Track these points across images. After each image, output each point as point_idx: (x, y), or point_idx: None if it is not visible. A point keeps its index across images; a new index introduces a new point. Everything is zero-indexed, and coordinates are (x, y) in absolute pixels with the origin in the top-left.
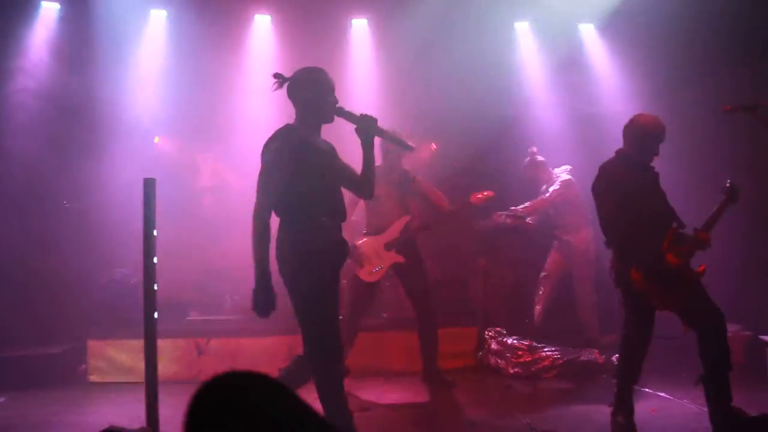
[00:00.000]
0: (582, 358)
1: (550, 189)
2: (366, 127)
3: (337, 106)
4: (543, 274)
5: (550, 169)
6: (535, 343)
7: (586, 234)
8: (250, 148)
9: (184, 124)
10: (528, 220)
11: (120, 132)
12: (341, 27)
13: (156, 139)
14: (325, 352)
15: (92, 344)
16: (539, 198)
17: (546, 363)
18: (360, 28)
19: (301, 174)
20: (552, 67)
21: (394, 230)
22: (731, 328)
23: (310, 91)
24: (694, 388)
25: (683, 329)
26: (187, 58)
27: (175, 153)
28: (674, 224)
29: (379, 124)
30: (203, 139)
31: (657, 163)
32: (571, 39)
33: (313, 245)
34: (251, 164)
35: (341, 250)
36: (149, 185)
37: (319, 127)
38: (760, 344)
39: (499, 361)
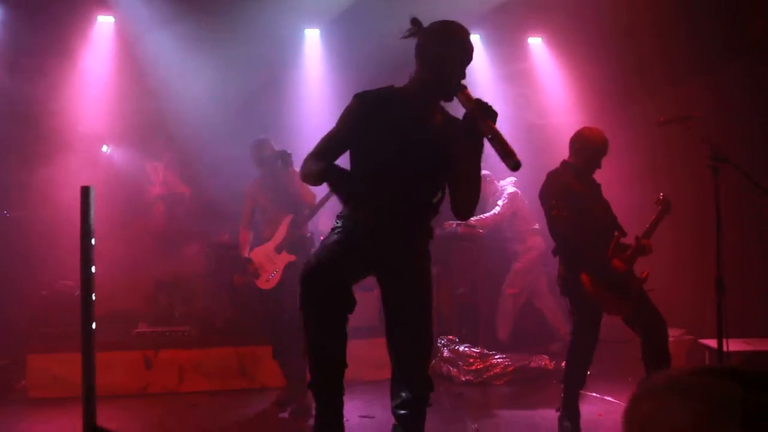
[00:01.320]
0: (532, 364)
1: (498, 202)
2: (481, 117)
3: (460, 86)
4: (510, 291)
5: (496, 181)
6: (486, 351)
7: (532, 242)
8: (202, 156)
9: (134, 133)
10: (479, 229)
11: (67, 140)
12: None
13: (104, 148)
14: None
15: (32, 358)
16: (491, 214)
17: (497, 370)
18: (312, 37)
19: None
20: (501, 79)
21: (281, 232)
22: (674, 333)
23: (432, 48)
24: None
25: (630, 334)
26: (135, 65)
27: (125, 162)
28: (617, 232)
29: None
30: (153, 147)
31: (601, 174)
32: (520, 51)
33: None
34: (203, 173)
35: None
36: (86, 193)
37: (430, 98)
38: (700, 348)
39: (451, 368)
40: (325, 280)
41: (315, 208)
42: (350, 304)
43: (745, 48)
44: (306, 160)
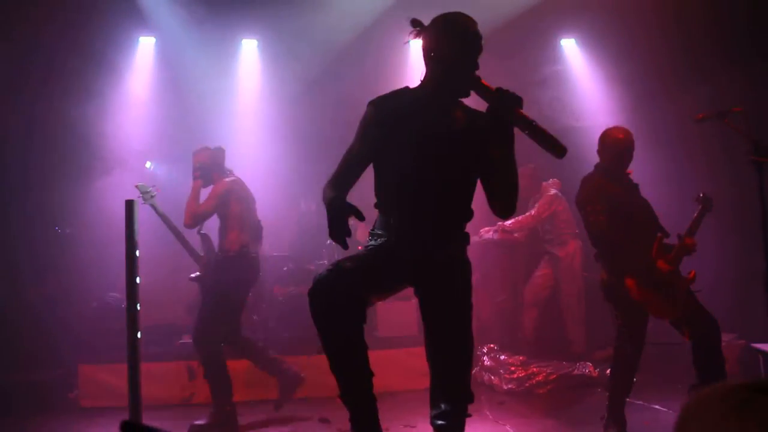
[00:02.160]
0: (575, 372)
1: (536, 204)
2: (504, 107)
3: (474, 78)
4: (532, 288)
5: (541, 182)
6: (528, 359)
7: (573, 247)
8: (241, 171)
9: (176, 148)
10: (515, 234)
11: (115, 158)
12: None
13: (148, 164)
14: None
15: (83, 369)
16: (526, 214)
17: (539, 378)
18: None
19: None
20: (535, 82)
21: None
22: (726, 337)
23: (437, 44)
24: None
25: (682, 337)
26: (177, 83)
27: (169, 177)
28: (659, 233)
29: None
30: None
31: (640, 173)
32: (553, 54)
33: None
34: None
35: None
36: (130, 207)
37: (447, 97)
38: (753, 353)
39: (493, 377)
40: (327, 296)
41: None
42: (356, 317)
43: None
44: (324, 188)
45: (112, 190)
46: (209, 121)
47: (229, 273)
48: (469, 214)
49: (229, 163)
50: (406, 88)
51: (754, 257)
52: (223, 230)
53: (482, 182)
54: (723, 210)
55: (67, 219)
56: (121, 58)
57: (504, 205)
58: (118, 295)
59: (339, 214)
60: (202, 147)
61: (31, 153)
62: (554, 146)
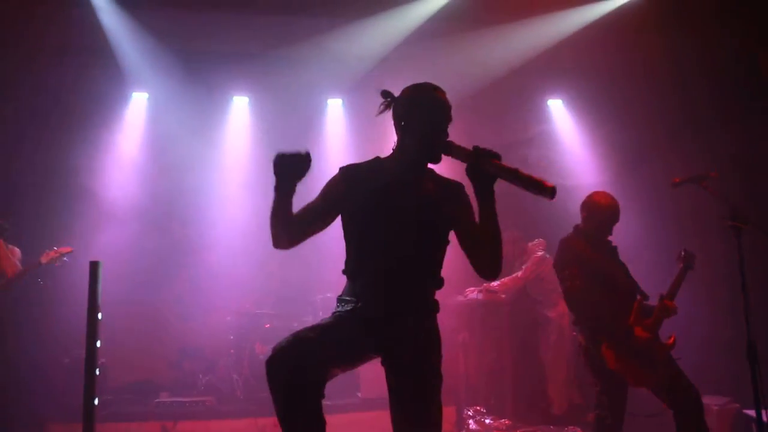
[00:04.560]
0: None
1: (523, 266)
2: (484, 161)
3: (446, 142)
4: (550, 363)
5: (527, 243)
6: (514, 423)
7: (563, 308)
8: (226, 226)
9: (161, 202)
10: (501, 295)
11: (96, 207)
12: (317, 107)
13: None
14: None
15: (51, 428)
16: (513, 275)
17: None
18: (335, 107)
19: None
20: (523, 142)
21: None
22: (719, 401)
23: (406, 113)
24: None
25: (662, 406)
26: (166, 138)
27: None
28: (638, 297)
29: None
30: (181, 216)
31: (625, 235)
32: (540, 114)
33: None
34: (228, 242)
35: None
36: (94, 268)
37: (416, 166)
38: (745, 419)
39: None
40: (284, 368)
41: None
42: (313, 393)
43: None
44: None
45: (95, 246)
46: (196, 176)
47: None
48: (437, 282)
49: (217, 219)
50: (377, 158)
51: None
52: None
53: (464, 246)
54: (712, 270)
55: (49, 271)
56: (113, 114)
57: (488, 268)
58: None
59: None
60: None
61: (22, 201)
62: (542, 189)
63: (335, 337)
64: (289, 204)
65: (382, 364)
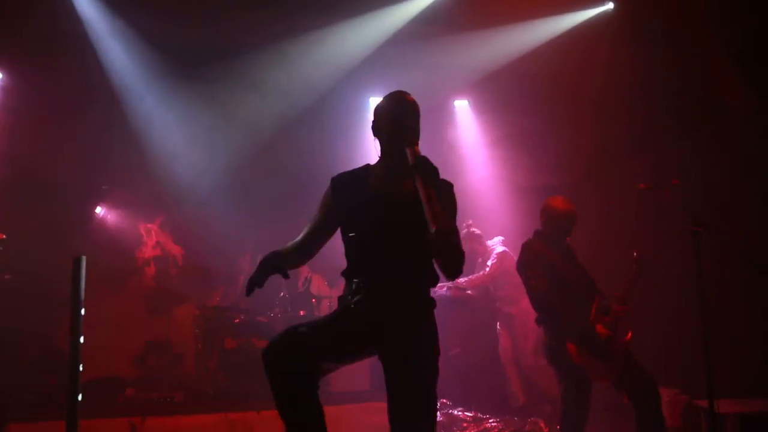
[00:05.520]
0: (527, 428)
1: (488, 262)
2: (414, 175)
3: (408, 146)
4: (505, 355)
5: (485, 241)
6: (479, 414)
7: (526, 304)
8: (194, 220)
9: (128, 194)
10: (468, 291)
11: (60, 201)
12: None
13: (98, 209)
14: None
15: (14, 427)
16: (479, 273)
17: None
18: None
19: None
20: (490, 143)
21: None
22: (669, 393)
23: (377, 118)
24: None
25: (622, 398)
26: (133, 128)
27: (118, 223)
28: (597, 297)
29: None
30: (147, 209)
31: (588, 234)
32: (508, 115)
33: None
34: (195, 235)
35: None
36: (77, 264)
37: (396, 167)
38: (695, 409)
39: None
40: (275, 356)
41: None
42: (307, 382)
43: (721, 112)
44: None
45: (62, 235)
46: (165, 169)
47: None
48: (432, 277)
49: (184, 213)
50: (366, 165)
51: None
52: None
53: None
54: (670, 267)
55: (11, 262)
56: (78, 102)
57: (449, 268)
58: (56, 345)
59: (263, 266)
60: None
61: None
62: (433, 226)
63: (331, 331)
64: (282, 265)
65: (380, 359)
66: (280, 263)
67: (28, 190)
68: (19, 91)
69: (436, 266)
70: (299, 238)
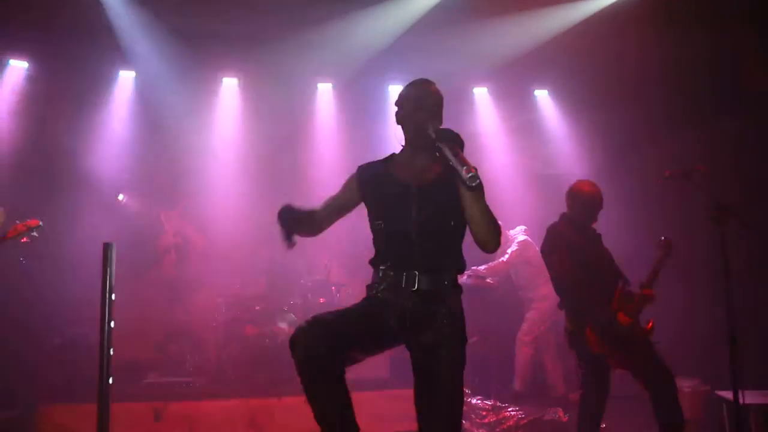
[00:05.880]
0: (546, 417)
1: (508, 251)
2: (439, 144)
3: (431, 128)
4: (526, 339)
5: (507, 230)
6: (499, 403)
7: (547, 291)
8: (215, 207)
9: (149, 182)
10: (488, 280)
11: (83, 188)
12: (308, 90)
13: (120, 197)
14: None
15: (43, 409)
16: (498, 260)
17: (510, 423)
18: (325, 91)
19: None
20: (508, 130)
21: None
22: (690, 383)
23: (401, 108)
24: None
25: (640, 388)
26: (154, 117)
27: (140, 210)
28: (620, 283)
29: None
30: (168, 197)
31: (609, 222)
32: (527, 103)
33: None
34: (216, 223)
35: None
36: (109, 250)
37: (421, 154)
38: (717, 400)
39: (464, 422)
40: (301, 343)
41: None
42: (332, 369)
43: (740, 102)
44: None
45: (84, 222)
46: (186, 157)
47: None
48: (459, 264)
49: (205, 201)
50: (392, 154)
51: (721, 305)
52: None
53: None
54: (694, 257)
55: (35, 250)
56: (100, 92)
57: (486, 241)
58: (82, 329)
59: (282, 220)
60: None
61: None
62: (467, 170)
63: (358, 319)
64: (304, 224)
65: (407, 347)
66: (293, 223)
67: (53, 177)
68: (44, 80)
69: (476, 241)
70: (315, 208)
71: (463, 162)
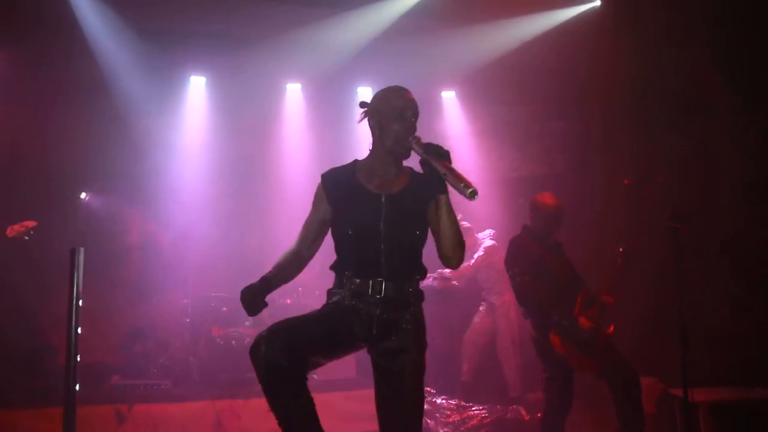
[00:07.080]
0: (509, 416)
1: (475, 255)
2: (430, 159)
3: (411, 137)
4: (469, 334)
5: (476, 234)
6: (463, 402)
7: (510, 297)
8: (181, 207)
9: (113, 181)
10: (454, 282)
11: (44, 187)
12: (276, 90)
13: (82, 195)
14: None
15: (7, 415)
16: (465, 265)
17: (474, 422)
18: (294, 91)
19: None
20: (475, 133)
21: None
22: (647, 381)
23: (377, 114)
24: None
25: (603, 389)
26: (119, 114)
27: (102, 209)
28: (582, 290)
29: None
30: (132, 196)
31: (565, 229)
32: (494, 107)
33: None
34: (180, 223)
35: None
36: (74, 255)
37: (392, 163)
38: (669, 397)
39: (429, 421)
40: (261, 349)
41: None
42: (296, 377)
43: (700, 109)
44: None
45: (47, 221)
46: (151, 156)
47: None
48: (421, 271)
49: (171, 200)
50: (355, 160)
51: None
52: None
53: (434, 237)
54: (654, 260)
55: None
56: (66, 89)
57: (452, 257)
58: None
59: (244, 302)
60: None
61: None
62: (468, 188)
63: (320, 325)
64: (276, 284)
65: (369, 351)
66: (257, 300)
67: (16, 178)
68: (7, 79)
69: (440, 256)
70: (293, 246)
71: (461, 179)
